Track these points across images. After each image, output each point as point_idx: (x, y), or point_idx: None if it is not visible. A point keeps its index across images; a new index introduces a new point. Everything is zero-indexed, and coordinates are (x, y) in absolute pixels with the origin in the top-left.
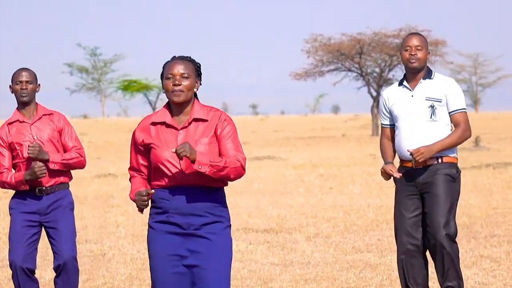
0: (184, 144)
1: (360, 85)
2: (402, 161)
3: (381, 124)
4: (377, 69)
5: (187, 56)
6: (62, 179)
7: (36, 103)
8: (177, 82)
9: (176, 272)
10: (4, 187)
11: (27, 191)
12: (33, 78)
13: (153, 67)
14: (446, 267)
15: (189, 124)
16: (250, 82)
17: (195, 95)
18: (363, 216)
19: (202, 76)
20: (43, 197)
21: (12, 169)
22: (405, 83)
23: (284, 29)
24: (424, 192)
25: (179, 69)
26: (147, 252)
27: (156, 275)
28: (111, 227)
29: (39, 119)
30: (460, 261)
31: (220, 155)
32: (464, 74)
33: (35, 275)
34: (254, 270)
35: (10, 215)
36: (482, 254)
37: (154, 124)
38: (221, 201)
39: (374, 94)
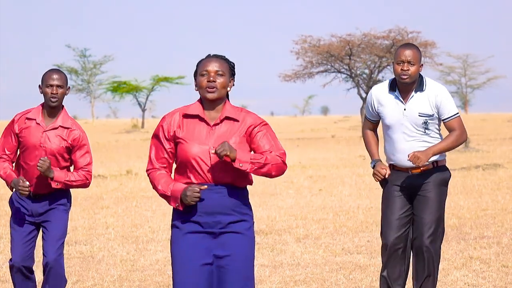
0: (223, 144)
1: (349, 86)
2: (394, 166)
3: (366, 116)
4: (366, 71)
5: (222, 55)
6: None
7: (63, 107)
8: (211, 79)
9: (196, 271)
10: None
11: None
12: (64, 82)
13: (143, 69)
14: (426, 272)
15: (221, 121)
16: (240, 83)
17: (227, 95)
18: (352, 218)
19: (235, 75)
20: (37, 202)
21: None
22: (397, 92)
23: (273, 30)
24: (416, 195)
25: (214, 66)
26: (170, 252)
27: (177, 274)
28: (101, 229)
29: (55, 128)
30: (450, 262)
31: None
32: (454, 75)
33: (33, 273)
34: None
35: (11, 212)
36: (471, 255)
37: (186, 116)
38: (246, 199)
39: (364, 95)
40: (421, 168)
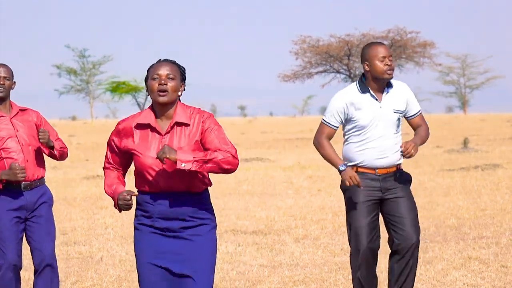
0: (163, 147)
1: None
2: (358, 167)
3: (326, 122)
4: None
5: (173, 60)
6: (43, 173)
7: (9, 100)
8: (162, 82)
9: (159, 272)
10: None
11: (11, 187)
12: (10, 75)
13: (142, 69)
14: (406, 271)
15: (172, 128)
16: (238, 83)
17: (179, 99)
18: None
19: (186, 81)
20: (28, 192)
21: None
22: (371, 91)
23: (273, 30)
24: (388, 197)
25: (165, 70)
26: (134, 253)
27: (142, 274)
28: (100, 229)
29: (16, 114)
30: (449, 262)
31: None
32: (453, 76)
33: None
34: (242, 271)
35: None
36: (470, 255)
37: (138, 127)
38: (205, 203)
39: None
40: (388, 169)
